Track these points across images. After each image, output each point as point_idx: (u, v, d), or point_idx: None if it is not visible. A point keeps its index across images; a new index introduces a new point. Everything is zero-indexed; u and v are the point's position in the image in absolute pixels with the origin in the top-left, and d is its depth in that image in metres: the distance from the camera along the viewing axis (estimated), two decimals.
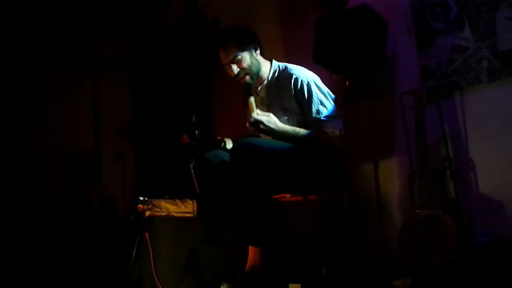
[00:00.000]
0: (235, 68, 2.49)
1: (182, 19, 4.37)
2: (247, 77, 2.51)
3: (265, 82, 2.57)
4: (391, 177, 3.02)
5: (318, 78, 2.55)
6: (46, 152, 3.93)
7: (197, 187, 2.59)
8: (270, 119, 2.33)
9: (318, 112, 2.41)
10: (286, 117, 2.48)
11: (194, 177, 2.60)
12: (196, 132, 2.75)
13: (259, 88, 2.59)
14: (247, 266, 2.26)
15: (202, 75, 4.09)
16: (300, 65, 2.61)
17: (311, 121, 2.42)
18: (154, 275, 2.58)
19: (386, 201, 3.01)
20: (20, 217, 3.54)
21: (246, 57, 2.49)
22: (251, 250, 2.27)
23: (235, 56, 2.48)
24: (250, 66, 2.50)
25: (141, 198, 2.76)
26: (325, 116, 2.42)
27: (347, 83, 3.00)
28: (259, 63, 2.54)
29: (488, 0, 2.68)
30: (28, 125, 3.87)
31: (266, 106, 2.57)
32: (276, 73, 2.57)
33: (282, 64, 2.61)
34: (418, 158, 2.55)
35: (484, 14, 2.69)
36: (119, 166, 4.35)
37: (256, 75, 2.54)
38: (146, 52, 4.66)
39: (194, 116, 2.81)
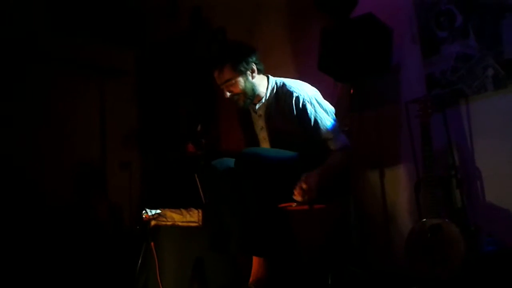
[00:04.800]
0: (228, 92, 2.46)
1: (188, 28, 4.40)
2: (241, 101, 2.48)
3: (263, 100, 2.54)
4: (397, 185, 3.01)
5: (318, 93, 2.52)
6: (53, 161, 3.95)
7: (202, 196, 2.59)
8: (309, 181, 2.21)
9: (326, 130, 2.39)
10: (287, 134, 2.46)
11: (199, 186, 2.60)
12: (202, 141, 2.75)
13: (257, 106, 2.55)
14: (251, 279, 2.23)
15: (207, 84, 4.10)
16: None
17: (321, 140, 2.39)
18: (160, 284, 2.57)
19: (392, 210, 3.00)
20: (28, 226, 3.55)
21: (239, 82, 2.44)
22: (255, 261, 2.24)
23: (228, 80, 2.43)
24: (244, 90, 2.45)
25: (147, 209, 2.76)
26: (331, 133, 2.40)
27: (351, 91, 3.00)
28: (254, 86, 2.48)
29: (493, 9, 2.68)
30: (35, 135, 3.90)
31: (266, 123, 2.54)
32: (274, 90, 2.53)
33: (279, 80, 2.56)
34: (424, 167, 2.54)
35: (489, 22, 2.69)
36: (125, 175, 4.36)
37: (251, 98, 2.49)
38: (152, 61, 4.68)
39: (199, 125, 2.81)
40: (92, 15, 4.42)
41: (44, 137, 3.94)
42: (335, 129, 2.42)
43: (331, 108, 2.51)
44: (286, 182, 2.27)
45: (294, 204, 2.51)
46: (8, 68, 3.78)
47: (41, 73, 3.98)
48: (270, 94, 2.53)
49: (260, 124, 2.58)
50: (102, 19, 4.50)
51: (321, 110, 2.42)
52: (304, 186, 2.19)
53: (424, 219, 2.46)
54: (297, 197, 2.21)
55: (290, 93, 2.45)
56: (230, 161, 2.34)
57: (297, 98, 2.42)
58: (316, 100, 2.44)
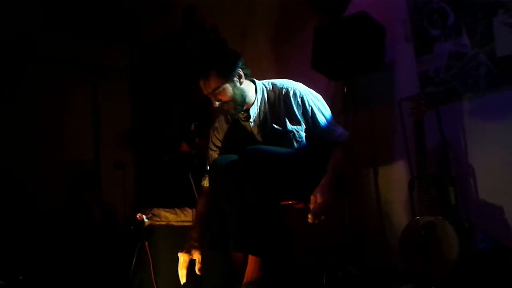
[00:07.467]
0: (216, 101, 2.34)
1: (181, 28, 4.39)
2: (231, 109, 2.37)
3: (254, 105, 2.45)
4: (391, 184, 3.02)
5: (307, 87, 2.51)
6: (47, 162, 3.93)
7: (196, 195, 2.57)
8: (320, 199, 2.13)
9: (325, 121, 2.38)
10: (290, 133, 2.43)
11: (193, 185, 2.59)
12: (196, 140, 2.74)
13: (251, 112, 2.43)
14: (246, 279, 2.21)
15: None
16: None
17: (322, 132, 2.37)
18: (154, 284, 2.57)
19: (387, 208, 3.01)
20: (20, 226, 3.53)
21: (227, 89, 2.31)
22: (251, 260, 2.23)
23: (216, 89, 2.30)
24: (233, 97, 2.33)
25: (141, 209, 2.76)
26: (331, 124, 2.40)
27: (345, 90, 3.01)
28: (243, 91, 2.37)
29: (485, 6, 2.69)
30: (28, 135, 3.88)
31: (261, 128, 2.49)
32: (265, 93, 2.46)
33: (266, 82, 2.49)
34: (417, 165, 2.55)
35: (481, 20, 2.71)
36: (119, 175, 4.34)
37: (241, 105, 2.38)
38: (146, 61, 4.67)
39: (193, 125, 2.80)
40: (86, 14, 4.41)
41: (37, 137, 3.92)
42: (333, 120, 2.41)
43: (324, 102, 2.50)
44: (284, 180, 2.25)
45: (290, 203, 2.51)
46: (0, 68, 3.77)
47: (34, 73, 3.97)
48: (262, 97, 2.48)
49: (255, 129, 2.51)
50: (96, 18, 4.48)
51: (317, 102, 2.41)
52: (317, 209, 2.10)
53: (418, 217, 2.47)
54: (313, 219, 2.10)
55: (286, 90, 2.40)
56: (235, 157, 2.30)
57: (294, 92, 2.38)
58: (311, 93, 2.43)
